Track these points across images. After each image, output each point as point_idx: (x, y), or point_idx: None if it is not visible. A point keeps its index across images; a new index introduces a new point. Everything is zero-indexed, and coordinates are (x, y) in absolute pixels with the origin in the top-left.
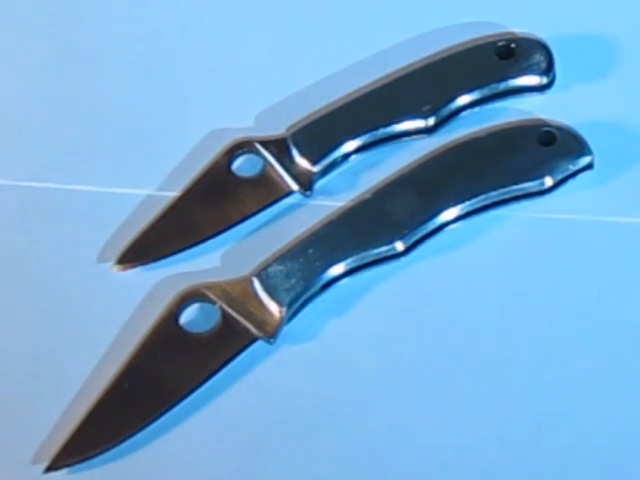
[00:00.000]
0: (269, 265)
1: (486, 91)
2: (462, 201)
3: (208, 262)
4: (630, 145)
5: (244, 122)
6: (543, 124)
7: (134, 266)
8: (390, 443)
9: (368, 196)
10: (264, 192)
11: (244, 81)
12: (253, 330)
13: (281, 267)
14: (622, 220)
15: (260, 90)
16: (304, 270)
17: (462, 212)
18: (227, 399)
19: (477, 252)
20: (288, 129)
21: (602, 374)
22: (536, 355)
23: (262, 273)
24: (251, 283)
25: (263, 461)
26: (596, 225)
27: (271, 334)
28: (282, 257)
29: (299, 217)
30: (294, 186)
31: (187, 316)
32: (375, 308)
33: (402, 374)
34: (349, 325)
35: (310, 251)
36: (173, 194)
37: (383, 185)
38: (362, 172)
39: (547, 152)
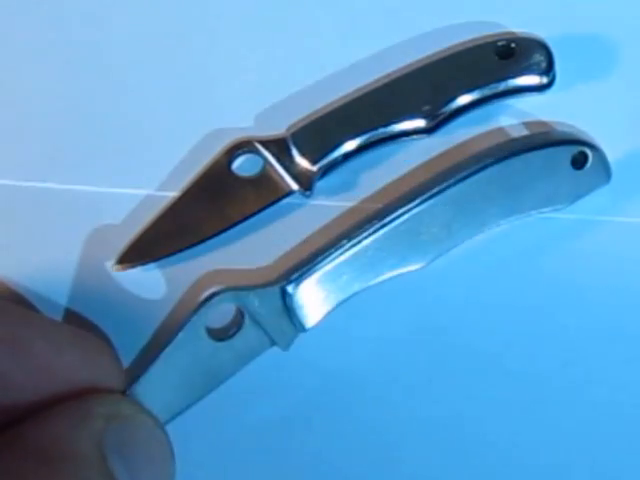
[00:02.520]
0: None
1: (486, 91)
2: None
3: (208, 262)
4: (633, 145)
5: (244, 122)
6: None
7: (134, 266)
8: (393, 451)
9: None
10: (264, 192)
11: (244, 81)
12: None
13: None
14: (629, 220)
15: (260, 90)
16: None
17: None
18: (232, 397)
19: (485, 252)
20: (288, 129)
21: (617, 377)
22: (541, 358)
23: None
24: None
25: (262, 461)
26: (605, 225)
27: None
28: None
29: (299, 217)
30: (294, 186)
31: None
32: (377, 307)
33: (405, 375)
34: (350, 324)
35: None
36: (173, 194)
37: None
38: (362, 172)
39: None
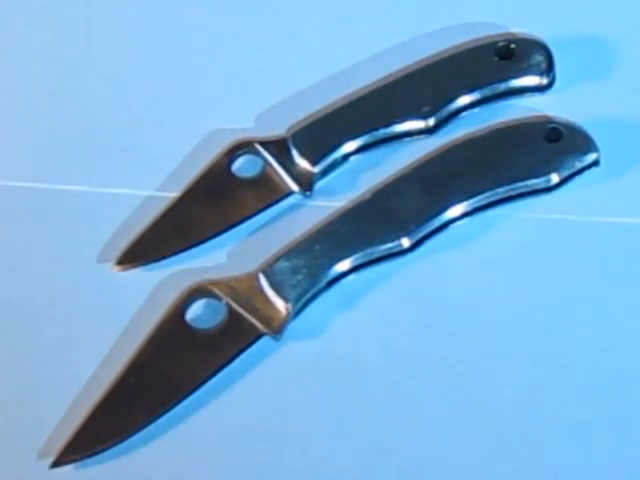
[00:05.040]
0: (275, 261)
1: (486, 92)
2: (468, 198)
3: (207, 263)
4: (633, 144)
5: (244, 122)
6: (549, 121)
7: (134, 266)
8: (394, 447)
9: (374, 193)
10: (264, 193)
11: (244, 81)
12: (259, 326)
13: (287, 263)
14: (629, 221)
15: (260, 90)
16: (310, 266)
17: (468, 209)
18: (232, 396)
19: (482, 251)
20: (288, 129)
21: (612, 376)
22: (542, 356)
23: (268, 269)
24: (257, 279)
25: (265, 459)
26: (603, 226)
27: (277, 330)
28: (288, 253)
29: (299, 218)
30: (294, 187)
31: (193, 312)
32: (381, 305)
33: (408, 372)
34: (355, 322)
35: (316, 247)
36: (173, 194)
37: (389, 182)
38: (362, 173)
39: (553, 149)
